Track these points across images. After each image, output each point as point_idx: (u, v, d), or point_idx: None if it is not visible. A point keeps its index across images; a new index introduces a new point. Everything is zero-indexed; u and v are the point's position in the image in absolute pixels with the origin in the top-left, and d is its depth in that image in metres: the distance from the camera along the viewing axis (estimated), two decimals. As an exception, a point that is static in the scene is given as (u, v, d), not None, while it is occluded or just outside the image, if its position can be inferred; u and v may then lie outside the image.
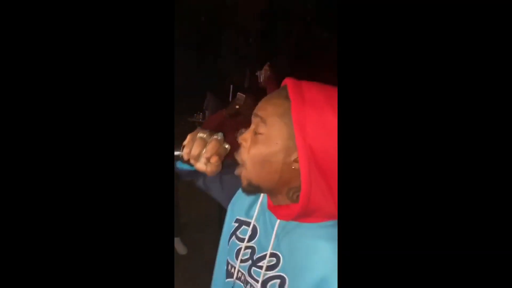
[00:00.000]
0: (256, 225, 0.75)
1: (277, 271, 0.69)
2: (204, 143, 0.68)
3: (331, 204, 0.64)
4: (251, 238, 0.75)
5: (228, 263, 0.79)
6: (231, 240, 0.79)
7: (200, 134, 0.69)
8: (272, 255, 0.71)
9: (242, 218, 0.79)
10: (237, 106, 2.22)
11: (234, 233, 0.78)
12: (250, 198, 0.77)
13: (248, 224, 0.76)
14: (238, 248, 0.76)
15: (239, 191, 0.79)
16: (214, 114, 2.75)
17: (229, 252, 0.79)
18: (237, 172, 0.69)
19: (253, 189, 0.69)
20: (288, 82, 0.67)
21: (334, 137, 0.61)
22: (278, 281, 0.68)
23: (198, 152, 0.67)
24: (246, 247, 0.75)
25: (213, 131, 0.71)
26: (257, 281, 0.70)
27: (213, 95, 3.42)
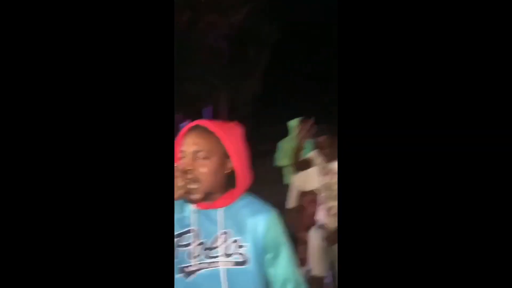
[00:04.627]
0: (197, 229, 0.95)
1: (232, 238, 0.94)
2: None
3: (247, 184, 0.99)
4: (195, 238, 0.94)
5: (181, 269, 0.93)
6: (177, 251, 0.93)
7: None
8: (223, 233, 0.95)
9: (178, 232, 0.95)
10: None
11: (176, 246, 0.94)
12: (177, 223, 0.94)
13: (187, 232, 0.95)
14: (186, 250, 0.93)
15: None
16: None
17: (180, 261, 0.93)
18: (193, 198, 0.91)
19: (206, 197, 0.93)
20: (202, 123, 0.97)
21: (241, 145, 0.99)
22: (235, 243, 0.94)
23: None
24: (196, 246, 0.93)
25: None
26: (217, 256, 0.93)
27: None
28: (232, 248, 0.93)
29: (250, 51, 11.09)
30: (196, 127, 0.96)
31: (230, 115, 10.40)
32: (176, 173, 0.84)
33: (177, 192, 0.84)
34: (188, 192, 0.87)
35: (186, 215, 0.97)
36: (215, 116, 10.31)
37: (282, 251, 0.98)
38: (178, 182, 0.84)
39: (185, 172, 0.88)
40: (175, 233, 0.94)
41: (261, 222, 0.96)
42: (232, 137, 0.97)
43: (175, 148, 0.98)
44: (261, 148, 4.91)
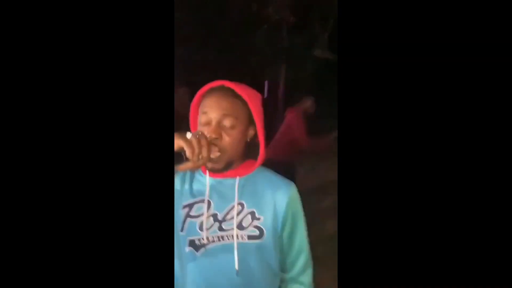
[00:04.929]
0: (209, 199, 0.89)
1: (247, 209, 0.90)
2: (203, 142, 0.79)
3: (265, 155, 0.94)
4: (208, 209, 0.89)
5: (191, 241, 0.88)
6: (186, 223, 0.89)
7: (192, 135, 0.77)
8: (238, 204, 0.89)
9: (189, 202, 0.91)
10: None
11: (186, 216, 0.89)
12: (183, 194, 0.93)
13: (200, 201, 0.90)
14: (199, 222, 0.88)
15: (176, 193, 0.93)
16: None
17: (187, 234, 0.88)
18: (215, 168, 0.86)
19: (227, 167, 0.88)
20: (228, 84, 0.89)
21: (262, 113, 0.92)
22: (249, 215, 0.89)
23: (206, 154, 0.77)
24: (208, 216, 0.88)
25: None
26: (231, 229, 0.87)
27: None
28: (247, 221, 0.89)
29: (314, 22, 10.69)
30: (221, 88, 0.89)
31: (289, 90, 10.28)
32: (198, 140, 0.75)
33: (197, 162, 0.75)
34: (210, 161, 0.80)
35: (198, 184, 0.92)
36: (272, 90, 10.26)
37: (299, 225, 0.95)
38: (203, 151, 0.75)
39: (209, 140, 0.79)
40: (186, 202, 0.90)
41: (281, 196, 0.91)
42: (256, 103, 0.91)
43: (191, 109, 0.93)
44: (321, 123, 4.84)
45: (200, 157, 0.75)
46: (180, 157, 0.78)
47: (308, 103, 3.46)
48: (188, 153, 0.74)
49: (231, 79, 0.92)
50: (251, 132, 0.93)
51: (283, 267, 0.96)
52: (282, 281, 0.97)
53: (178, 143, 0.74)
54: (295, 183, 0.97)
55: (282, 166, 1.64)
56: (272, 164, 1.00)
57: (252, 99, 0.90)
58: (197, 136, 0.76)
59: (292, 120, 3.35)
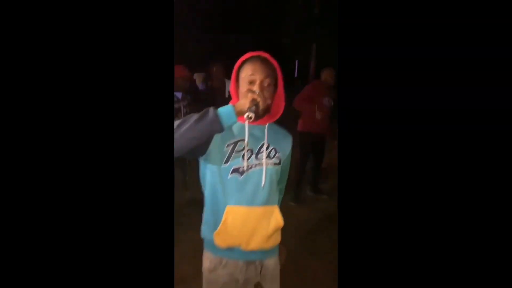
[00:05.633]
0: (247, 139, 1.18)
1: (272, 146, 1.24)
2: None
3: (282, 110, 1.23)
4: (246, 145, 1.19)
5: (235, 169, 1.17)
6: (232, 156, 1.17)
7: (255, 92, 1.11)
8: (266, 142, 1.22)
9: (232, 141, 1.18)
10: None
11: (232, 150, 1.17)
12: (224, 136, 1.17)
13: (240, 140, 1.18)
14: (241, 154, 1.17)
15: (216, 137, 1.14)
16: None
17: (233, 164, 1.17)
18: (254, 115, 1.05)
19: (262, 114, 1.14)
20: (264, 55, 1.18)
21: (281, 80, 1.20)
22: (274, 150, 1.24)
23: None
24: (248, 151, 1.18)
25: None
26: (262, 158, 1.20)
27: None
28: (272, 153, 1.23)
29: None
30: (259, 56, 1.16)
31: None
32: (248, 94, 1.06)
33: (243, 109, 1.04)
34: (252, 110, 1.03)
35: (238, 129, 1.20)
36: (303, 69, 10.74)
37: (289, 161, 1.35)
38: (247, 103, 1.03)
39: (255, 94, 1.07)
40: (229, 142, 1.18)
41: (288, 142, 1.30)
42: (279, 71, 1.19)
43: (234, 71, 1.19)
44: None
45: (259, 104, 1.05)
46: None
47: (326, 74, 3.78)
48: (259, 100, 1.05)
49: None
50: (276, 91, 1.21)
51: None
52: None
53: (253, 96, 1.06)
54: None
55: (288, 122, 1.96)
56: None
57: (279, 68, 1.18)
58: (257, 92, 1.09)
59: (309, 88, 3.81)
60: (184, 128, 0.99)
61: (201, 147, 1.12)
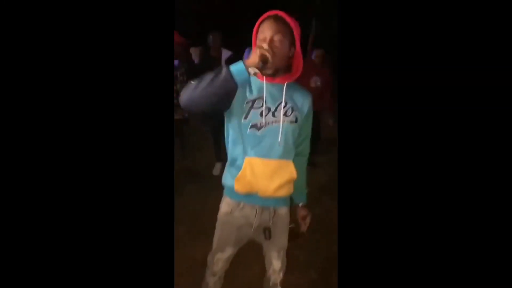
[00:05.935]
0: (264, 98, 1.24)
1: (289, 105, 1.27)
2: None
3: (300, 71, 1.26)
4: (264, 103, 1.24)
5: (253, 124, 1.23)
6: (251, 112, 1.23)
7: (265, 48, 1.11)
8: (284, 100, 1.25)
9: (251, 98, 1.23)
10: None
11: (251, 107, 1.23)
12: (244, 94, 1.24)
13: (259, 98, 1.23)
14: (259, 111, 1.22)
15: (237, 94, 1.18)
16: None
17: (252, 120, 1.23)
18: (265, 72, 1.15)
19: (275, 72, 1.20)
20: (281, 13, 1.19)
21: (299, 39, 1.20)
22: (290, 109, 1.26)
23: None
24: (265, 108, 1.23)
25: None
26: (279, 115, 1.24)
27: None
28: (289, 112, 1.26)
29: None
30: (276, 15, 1.19)
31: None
32: (259, 49, 1.08)
33: (253, 64, 1.07)
34: (260, 66, 1.07)
35: (257, 86, 1.25)
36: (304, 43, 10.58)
37: (310, 121, 1.36)
38: (256, 58, 1.06)
39: (264, 49, 1.08)
40: (249, 99, 1.24)
41: (307, 101, 1.31)
42: (297, 31, 1.20)
43: (254, 30, 1.21)
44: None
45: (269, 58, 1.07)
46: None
47: (316, 54, 3.84)
48: (268, 55, 1.07)
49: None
50: (292, 51, 1.22)
51: (296, 144, 1.34)
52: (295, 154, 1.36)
53: (261, 51, 1.08)
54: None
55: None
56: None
57: (296, 27, 1.19)
58: (266, 48, 1.10)
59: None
60: (204, 85, 1.06)
61: (223, 102, 1.17)
